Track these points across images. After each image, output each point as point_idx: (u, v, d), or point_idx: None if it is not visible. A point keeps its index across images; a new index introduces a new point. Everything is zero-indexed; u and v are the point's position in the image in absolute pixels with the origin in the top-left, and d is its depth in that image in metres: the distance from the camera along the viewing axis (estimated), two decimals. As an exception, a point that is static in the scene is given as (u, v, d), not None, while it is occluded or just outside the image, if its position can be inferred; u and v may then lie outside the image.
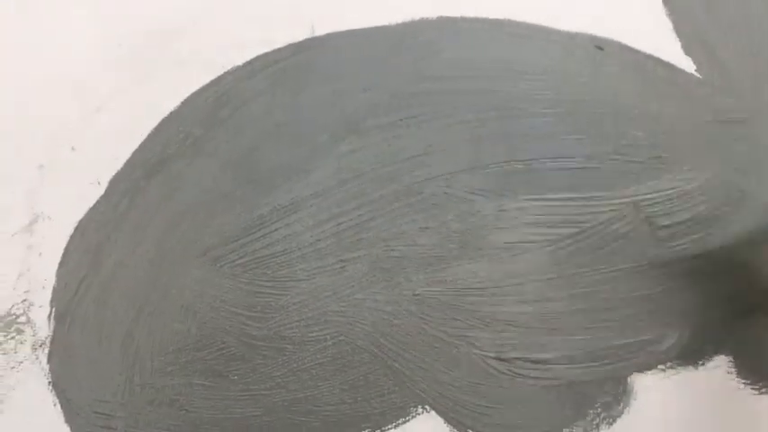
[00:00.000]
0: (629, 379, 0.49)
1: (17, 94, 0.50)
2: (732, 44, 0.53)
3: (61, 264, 0.49)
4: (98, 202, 0.49)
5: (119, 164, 0.50)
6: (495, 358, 0.49)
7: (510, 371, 0.49)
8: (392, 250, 0.50)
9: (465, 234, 0.50)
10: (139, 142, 0.50)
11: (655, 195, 0.51)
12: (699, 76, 0.53)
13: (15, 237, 0.48)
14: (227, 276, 0.49)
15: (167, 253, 0.49)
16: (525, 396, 0.49)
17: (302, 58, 0.51)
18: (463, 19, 0.53)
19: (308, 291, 0.49)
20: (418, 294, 0.50)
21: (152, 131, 0.50)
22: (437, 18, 0.53)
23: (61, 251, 0.49)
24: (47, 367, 0.47)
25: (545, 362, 0.49)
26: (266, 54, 0.51)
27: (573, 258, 0.51)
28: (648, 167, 0.52)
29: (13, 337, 0.47)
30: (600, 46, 0.53)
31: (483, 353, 0.49)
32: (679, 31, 0.53)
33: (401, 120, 0.51)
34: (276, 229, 0.50)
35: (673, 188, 0.52)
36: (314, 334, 0.49)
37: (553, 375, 0.49)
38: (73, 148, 0.49)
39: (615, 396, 0.49)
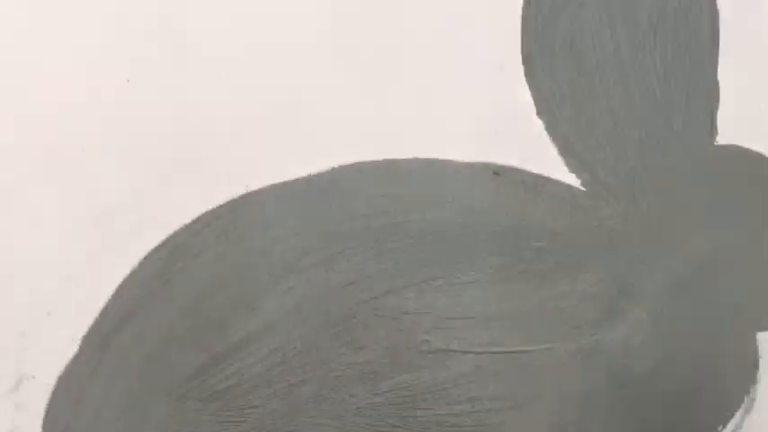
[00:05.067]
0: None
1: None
2: (605, 157, 0.62)
3: (46, 417, 0.56)
4: (74, 357, 0.56)
5: (89, 322, 0.57)
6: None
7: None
8: (333, 371, 0.58)
9: (393, 349, 0.58)
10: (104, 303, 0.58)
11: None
12: (583, 189, 0.62)
13: (3, 397, 0.56)
14: (192, 411, 0.56)
15: (136, 397, 0.56)
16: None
17: (241, 212, 0.60)
18: (375, 163, 0.61)
19: (263, 415, 0.56)
20: (361, 407, 0.57)
21: (116, 290, 0.58)
22: (355, 164, 0.61)
23: (45, 406, 0.56)
24: None
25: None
26: (209, 212, 0.59)
27: (499, 361, 0.58)
28: (552, 272, 0.60)
29: (6, 489, 0.54)
30: (497, 172, 0.61)
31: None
32: (562, 152, 0.62)
33: (332, 255, 0.59)
34: (230, 364, 0.57)
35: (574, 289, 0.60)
36: (271, 455, 0.56)
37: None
38: (48, 313, 0.57)
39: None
